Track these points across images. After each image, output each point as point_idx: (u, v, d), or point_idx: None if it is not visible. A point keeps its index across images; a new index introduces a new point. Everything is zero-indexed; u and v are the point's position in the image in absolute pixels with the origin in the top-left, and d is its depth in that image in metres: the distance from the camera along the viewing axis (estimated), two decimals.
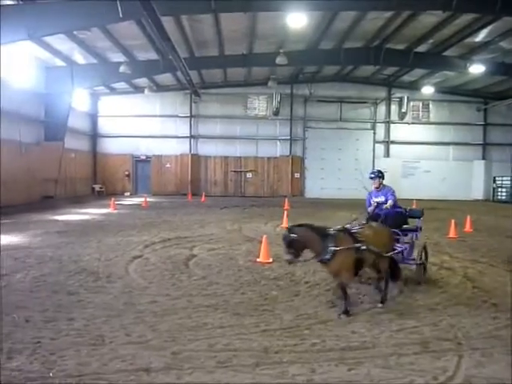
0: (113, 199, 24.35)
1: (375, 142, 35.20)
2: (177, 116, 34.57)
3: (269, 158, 34.89)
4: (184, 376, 4.71)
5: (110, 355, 5.17)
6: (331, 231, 6.71)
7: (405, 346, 5.54)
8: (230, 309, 6.79)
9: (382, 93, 34.72)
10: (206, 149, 34.93)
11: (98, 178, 34.04)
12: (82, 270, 9.27)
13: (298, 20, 18.79)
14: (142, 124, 34.25)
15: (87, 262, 9.97)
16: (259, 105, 35.09)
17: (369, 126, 35.24)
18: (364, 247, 6.72)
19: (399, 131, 35.26)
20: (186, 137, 34.61)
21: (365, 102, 34.88)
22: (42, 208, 22.00)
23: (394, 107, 35.15)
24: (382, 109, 35.18)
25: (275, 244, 11.85)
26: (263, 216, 20.24)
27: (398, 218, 8.73)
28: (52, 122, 25.03)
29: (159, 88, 33.06)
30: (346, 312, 6.61)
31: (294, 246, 6.44)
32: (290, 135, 34.77)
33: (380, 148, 35.27)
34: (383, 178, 9.10)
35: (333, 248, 6.46)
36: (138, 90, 32.38)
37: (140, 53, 24.80)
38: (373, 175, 9.14)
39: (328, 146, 34.66)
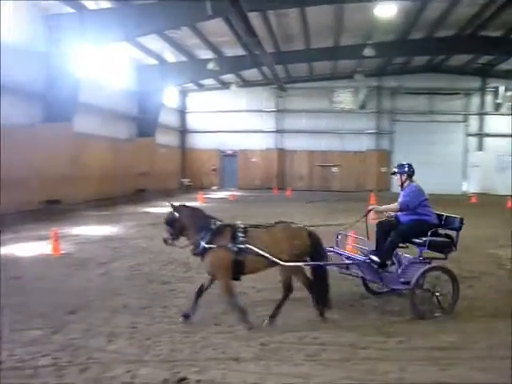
0: (201, 193, 25.04)
1: (467, 134, 33.60)
2: (262, 111, 34.90)
3: (355, 152, 34.34)
4: (273, 367, 4.77)
5: (201, 343, 5.34)
6: (213, 224, 6.04)
7: (500, 348, 5.28)
8: None
9: (475, 83, 33.02)
10: (291, 143, 35.00)
11: (186, 173, 35.12)
12: (174, 260, 9.65)
13: (386, 10, 18.30)
14: (228, 119, 34.90)
15: (178, 253, 10.32)
16: (345, 98, 34.56)
17: (460, 118, 33.68)
18: (235, 248, 5.84)
19: (494, 123, 33.37)
20: (272, 131, 34.86)
21: (457, 93, 33.36)
22: (136, 201, 23.10)
23: (488, 98, 33.34)
24: (475, 100, 33.47)
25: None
26: (349, 211, 19.93)
27: (405, 228, 6.86)
28: (144, 119, 26.18)
29: (245, 83, 33.49)
30: (245, 320, 5.84)
31: (173, 226, 6.15)
32: (377, 129, 34.03)
33: (473, 141, 33.63)
34: (410, 174, 7.26)
35: (202, 243, 5.90)
36: (225, 85, 33.01)
37: (227, 49, 25.22)
38: (396, 169, 7.35)
39: (417, 140, 33.40)
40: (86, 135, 20.43)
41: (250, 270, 6.12)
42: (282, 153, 34.90)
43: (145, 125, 26.37)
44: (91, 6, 17.40)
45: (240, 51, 24.90)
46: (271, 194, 30.19)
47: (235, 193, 28.73)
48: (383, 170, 33.92)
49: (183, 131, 35.54)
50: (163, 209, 20.34)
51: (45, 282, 7.87)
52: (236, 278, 6.09)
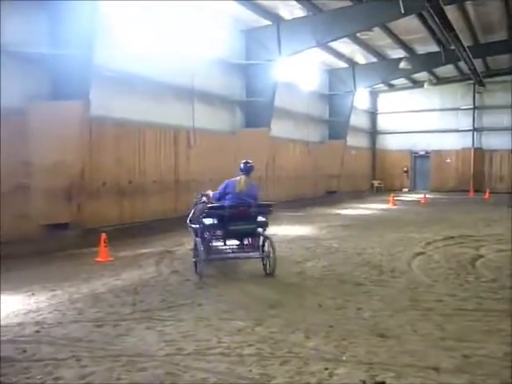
0: (392, 195, 24.55)
1: None
2: (458, 109, 32.90)
3: None
4: (477, 382, 4.49)
5: (397, 348, 5.23)
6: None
7: None
8: None
9: None
10: (490, 142, 32.40)
11: (376, 174, 34.73)
12: (366, 262, 9.63)
13: None
14: (420, 119, 33.67)
15: (370, 256, 10.32)
16: None
17: None
18: None
19: None
20: (468, 130, 32.63)
21: None
22: (326, 202, 23.53)
23: None
24: None
25: None
26: None
27: None
28: (335, 122, 26.60)
29: (439, 81, 31.90)
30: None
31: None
32: None
33: None
34: (242, 171, 8.71)
35: None
36: (417, 84, 31.92)
37: (419, 46, 24.36)
38: None
39: None
40: (280, 139, 21.46)
41: None
42: (479, 152, 32.47)
43: (336, 127, 26.78)
44: (287, 16, 18.24)
45: (433, 48, 23.82)
46: (466, 197, 28.35)
47: (427, 195, 27.54)
48: None
49: (373, 132, 35.22)
50: (354, 211, 20.48)
51: (245, 276, 8.49)
52: None
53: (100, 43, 11.65)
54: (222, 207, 8.30)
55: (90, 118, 11.81)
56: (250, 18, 17.64)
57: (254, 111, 18.49)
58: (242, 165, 8.73)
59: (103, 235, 9.90)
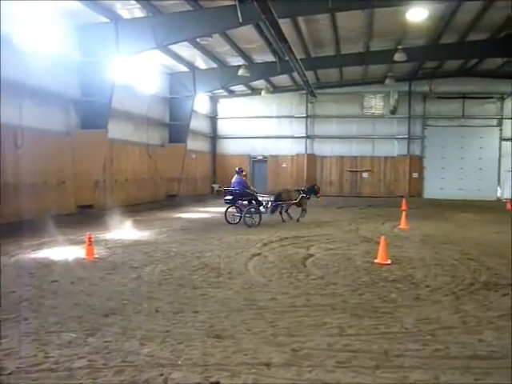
0: None
1: (501, 139, 32.77)
2: (293, 117, 34.94)
3: (386, 158, 34.05)
4: (304, 373, 4.77)
5: (232, 348, 5.37)
6: None
7: None
8: (348, 309, 6.76)
9: (509, 87, 32.17)
10: (321, 149, 34.94)
11: (217, 178, 35.38)
12: (205, 265, 9.73)
13: (418, 14, 18.11)
14: (258, 125, 35.07)
15: (209, 258, 10.45)
16: (376, 103, 34.33)
17: (494, 122, 32.92)
18: None
19: None
20: (302, 137, 34.84)
21: (490, 98, 32.66)
22: (167, 206, 23.35)
23: None
24: (509, 104, 32.61)
25: (393, 245, 11.66)
26: (380, 216, 19.83)
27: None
28: (176, 125, 26.56)
29: (276, 89, 33.60)
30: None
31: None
32: (408, 134, 33.59)
33: (507, 146, 32.71)
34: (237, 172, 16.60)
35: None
36: (255, 91, 33.18)
37: (257, 55, 25.36)
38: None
39: (449, 145, 32.94)
40: (119, 141, 20.85)
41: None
42: (312, 158, 34.84)
43: (177, 131, 26.74)
44: (125, 15, 17.78)
45: (270, 57, 25.00)
46: None
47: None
48: (415, 175, 33.54)
49: (214, 137, 35.85)
50: (194, 214, 20.60)
51: (80, 286, 8.04)
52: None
53: None
54: (226, 189, 17.17)
55: None
56: (85, 13, 16.81)
57: (91, 112, 17.66)
58: (236, 169, 16.98)
59: None
